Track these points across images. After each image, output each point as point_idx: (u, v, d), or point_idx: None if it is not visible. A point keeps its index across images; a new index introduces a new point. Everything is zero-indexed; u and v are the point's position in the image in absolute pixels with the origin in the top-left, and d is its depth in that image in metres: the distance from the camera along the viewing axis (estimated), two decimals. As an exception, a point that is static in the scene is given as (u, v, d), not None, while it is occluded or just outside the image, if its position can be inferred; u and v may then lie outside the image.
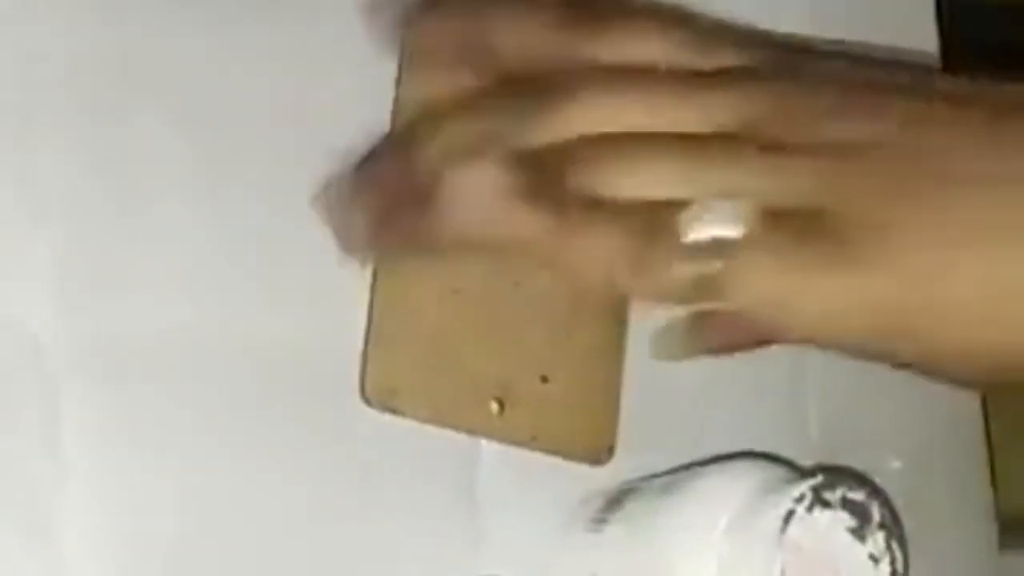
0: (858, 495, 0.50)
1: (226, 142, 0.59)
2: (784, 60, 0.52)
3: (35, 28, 0.56)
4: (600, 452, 0.60)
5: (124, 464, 0.56)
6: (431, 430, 0.60)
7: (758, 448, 0.60)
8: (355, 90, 0.61)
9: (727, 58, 0.52)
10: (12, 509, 0.54)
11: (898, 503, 0.54)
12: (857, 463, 0.63)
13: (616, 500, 0.57)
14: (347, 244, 0.56)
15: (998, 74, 0.49)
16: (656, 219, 0.48)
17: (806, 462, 0.60)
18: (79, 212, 0.56)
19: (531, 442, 0.59)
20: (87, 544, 0.55)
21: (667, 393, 0.62)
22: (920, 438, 0.67)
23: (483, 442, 0.60)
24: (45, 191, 0.56)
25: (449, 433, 0.60)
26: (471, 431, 0.59)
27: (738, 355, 0.52)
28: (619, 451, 0.61)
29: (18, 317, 0.55)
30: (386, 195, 0.55)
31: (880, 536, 0.50)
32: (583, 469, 0.60)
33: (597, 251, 0.49)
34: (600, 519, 0.56)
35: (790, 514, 0.49)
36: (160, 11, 0.58)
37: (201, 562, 0.56)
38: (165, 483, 0.56)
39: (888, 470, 0.64)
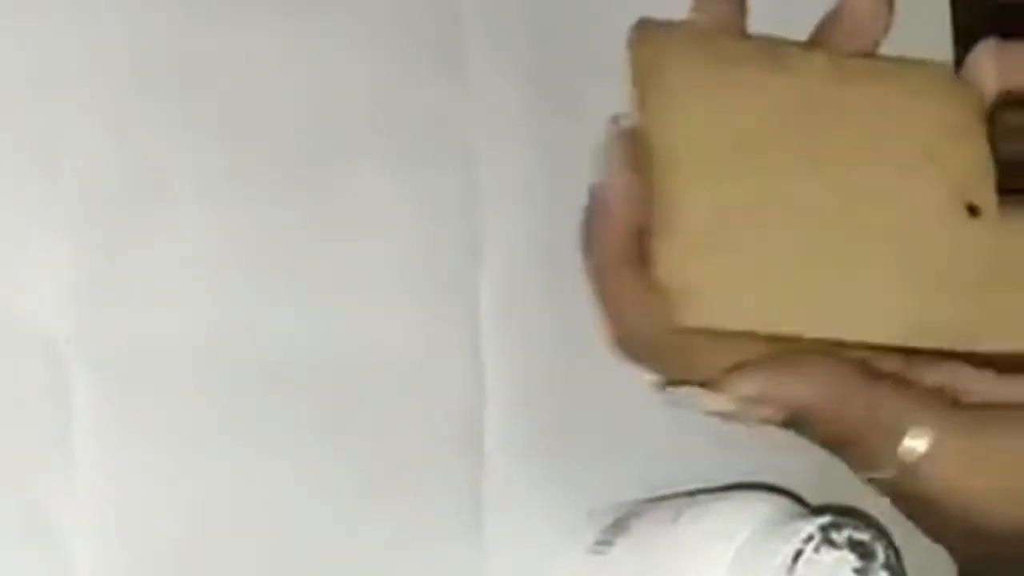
0: (864, 535, 0.51)
1: (251, 143, 0.59)
2: None
3: (57, 30, 0.56)
4: None
5: (134, 466, 0.56)
6: (435, 434, 0.60)
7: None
8: (382, 90, 0.61)
9: None
10: (22, 508, 0.54)
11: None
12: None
13: (622, 522, 0.57)
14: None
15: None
16: None
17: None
18: (99, 212, 0.56)
19: None
20: (95, 544, 0.55)
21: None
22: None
23: (488, 449, 0.60)
24: (67, 191, 0.56)
25: (455, 440, 0.60)
26: None
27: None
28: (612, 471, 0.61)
29: (35, 316, 0.55)
30: None
31: (884, 576, 0.51)
32: (589, 478, 0.61)
33: None
34: (605, 540, 0.57)
35: (798, 554, 0.50)
36: (185, 11, 0.58)
37: (208, 563, 0.57)
38: (174, 485, 0.56)
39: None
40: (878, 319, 0.55)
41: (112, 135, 0.57)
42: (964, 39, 0.68)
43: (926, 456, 0.53)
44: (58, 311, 0.55)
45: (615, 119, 0.55)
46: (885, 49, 0.62)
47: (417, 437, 0.60)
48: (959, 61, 0.67)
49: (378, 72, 0.61)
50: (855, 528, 0.51)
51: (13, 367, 0.55)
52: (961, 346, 0.55)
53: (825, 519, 0.51)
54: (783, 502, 0.54)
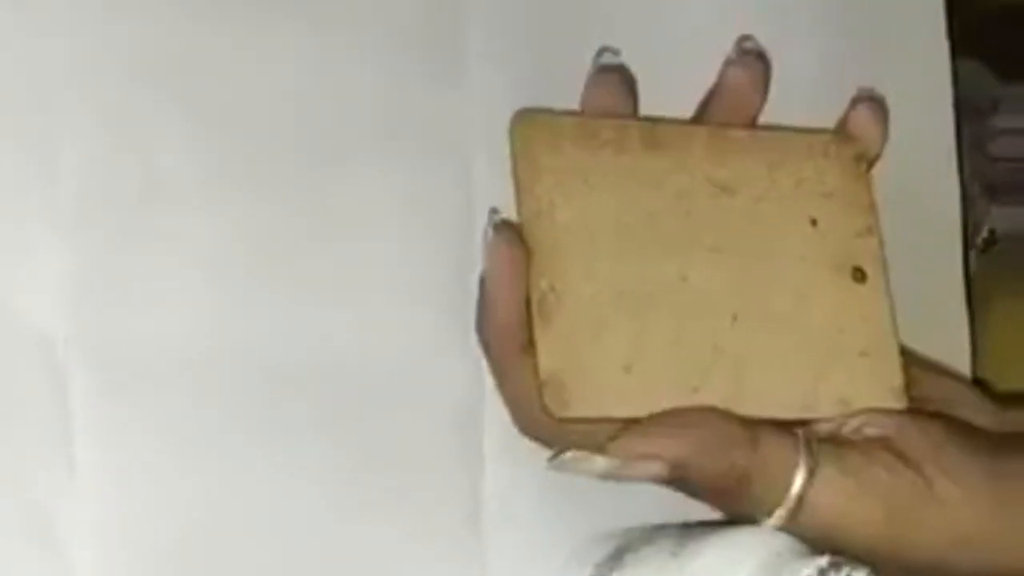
0: (861, 574, 0.52)
1: (250, 145, 0.59)
2: None
3: (57, 30, 0.56)
4: None
5: (133, 466, 0.57)
6: (435, 435, 0.60)
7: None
8: (381, 92, 0.60)
9: None
10: (20, 509, 0.55)
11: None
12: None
13: (619, 554, 0.57)
14: None
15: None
16: None
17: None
18: (97, 213, 0.57)
19: None
20: (94, 544, 0.56)
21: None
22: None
23: (488, 467, 0.61)
24: (65, 192, 0.56)
25: (454, 441, 0.61)
26: None
27: None
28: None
29: (32, 317, 0.56)
30: None
31: (879, 614, 0.52)
32: (588, 499, 0.61)
33: None
34: (602, 574, 0.57)
35: (799, 594, 0.51)
36: (183, 13, 0.58)
37: (207, 563, 0.58)
38: (173, 486, 0.57)
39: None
40: (765, 395, 0.56)
41: (110, 137, 0.57)
42: (960, 46, 0.68)
43: (806, 497, 0.55)
44: (56, 312, 0.56)
45: (493, 211, 0.57)
46: (880, 64, 0.63)
47: (416, 438, 0.60)
48: (955, 70, 0.68)
49: (377, 74, 0.61)
50: (854, 568, 0.52)
51: (12, 368, 0.56)
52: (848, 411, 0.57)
53: (824, 560, 0.52)
54: (783, 540, 0.54)
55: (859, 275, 0.59)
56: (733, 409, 0.55)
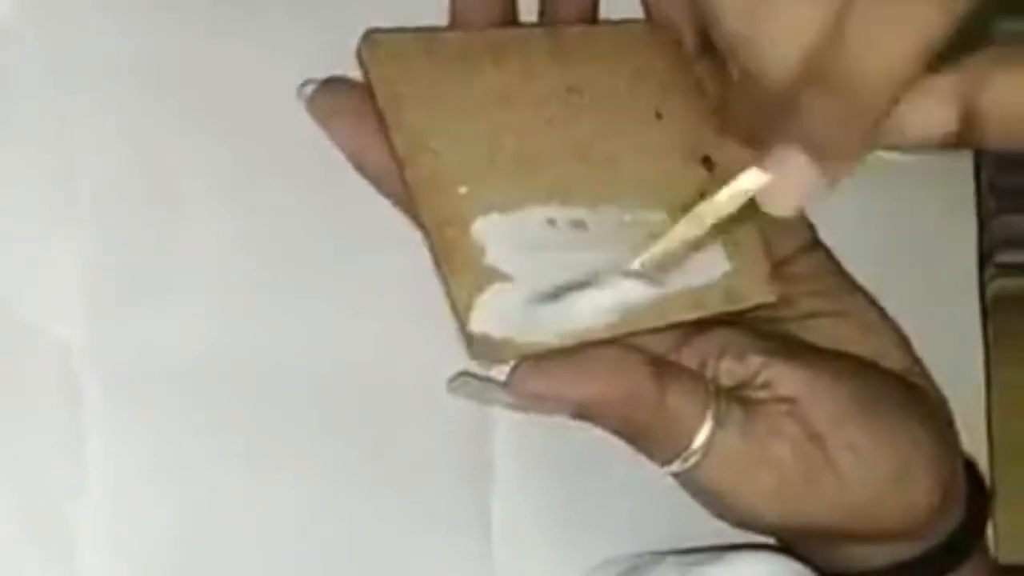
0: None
1: (266, 147, 0.58)
2: None
3: (71, 32, 0.56)
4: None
5: (145, 475, 0.57)
6: (447, 465, 0.60)
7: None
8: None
9: None
10: (31, 516, 0.55)
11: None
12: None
13: (628, 576, 0.57)
14: None
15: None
16: None
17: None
18: (112, 219, 0.56)
19: None
20: (104, 554, 0.56)
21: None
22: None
23: (499, 480, 0.61)
24: (79, 198, 0.56)
25: (465, 469, 0.60)
26: None
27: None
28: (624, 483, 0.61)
29: (47, 324, 0.56)
30: None
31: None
32: (596, 506, 0.61)
33: None
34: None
35: (803, 620, 0.51)
36: (203, 15, 0.58)
37: (218, 572, 0.57)
38: (185, 496, 0.57)
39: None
40: (656, 308, 0.54)
41: (127, 143, 0.57)
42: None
43: (702, 457, 0.53)
44: (71, 319, 0.56)
45: (303, 88, 0.54)
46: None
47: (427, 449, 0.60)
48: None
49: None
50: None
51: (26, 375, 0.55)
52: (721, 308, 0.55)
53: (830, 586, 0.52)
54: (790, 566, 0.54)
55: (708, 164, 0.57)
56: (628, 327, 0.53)
